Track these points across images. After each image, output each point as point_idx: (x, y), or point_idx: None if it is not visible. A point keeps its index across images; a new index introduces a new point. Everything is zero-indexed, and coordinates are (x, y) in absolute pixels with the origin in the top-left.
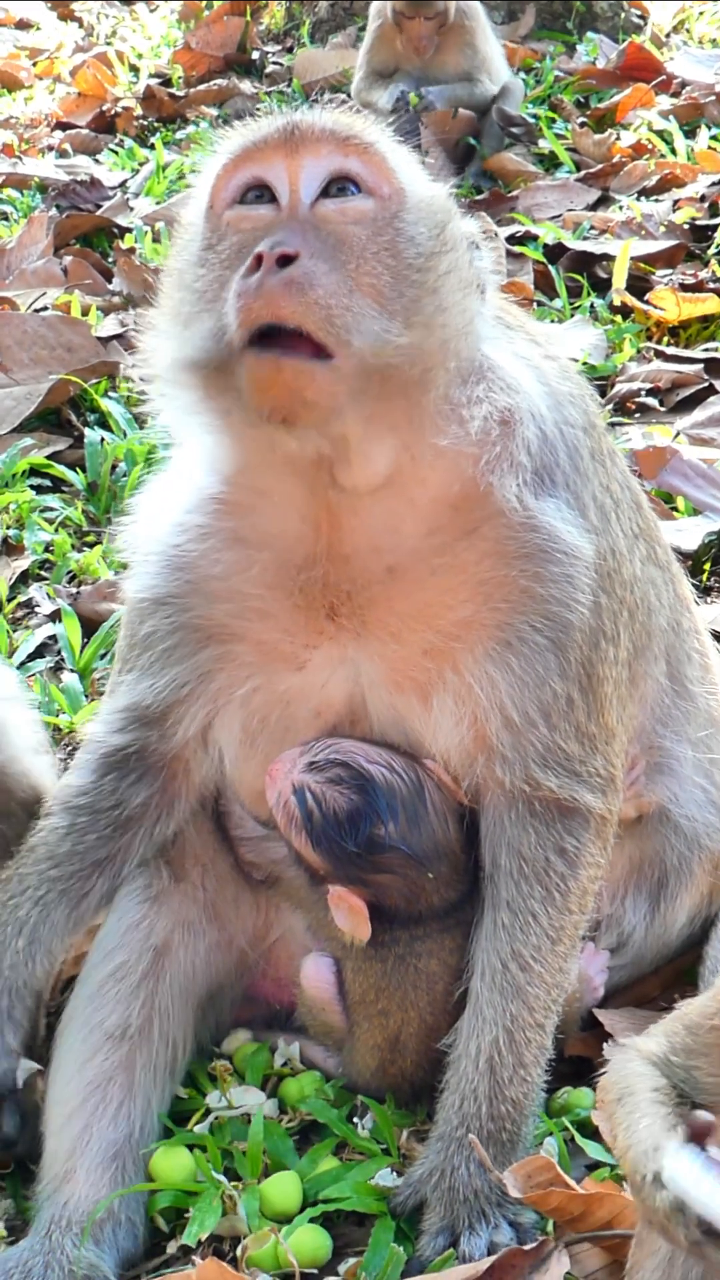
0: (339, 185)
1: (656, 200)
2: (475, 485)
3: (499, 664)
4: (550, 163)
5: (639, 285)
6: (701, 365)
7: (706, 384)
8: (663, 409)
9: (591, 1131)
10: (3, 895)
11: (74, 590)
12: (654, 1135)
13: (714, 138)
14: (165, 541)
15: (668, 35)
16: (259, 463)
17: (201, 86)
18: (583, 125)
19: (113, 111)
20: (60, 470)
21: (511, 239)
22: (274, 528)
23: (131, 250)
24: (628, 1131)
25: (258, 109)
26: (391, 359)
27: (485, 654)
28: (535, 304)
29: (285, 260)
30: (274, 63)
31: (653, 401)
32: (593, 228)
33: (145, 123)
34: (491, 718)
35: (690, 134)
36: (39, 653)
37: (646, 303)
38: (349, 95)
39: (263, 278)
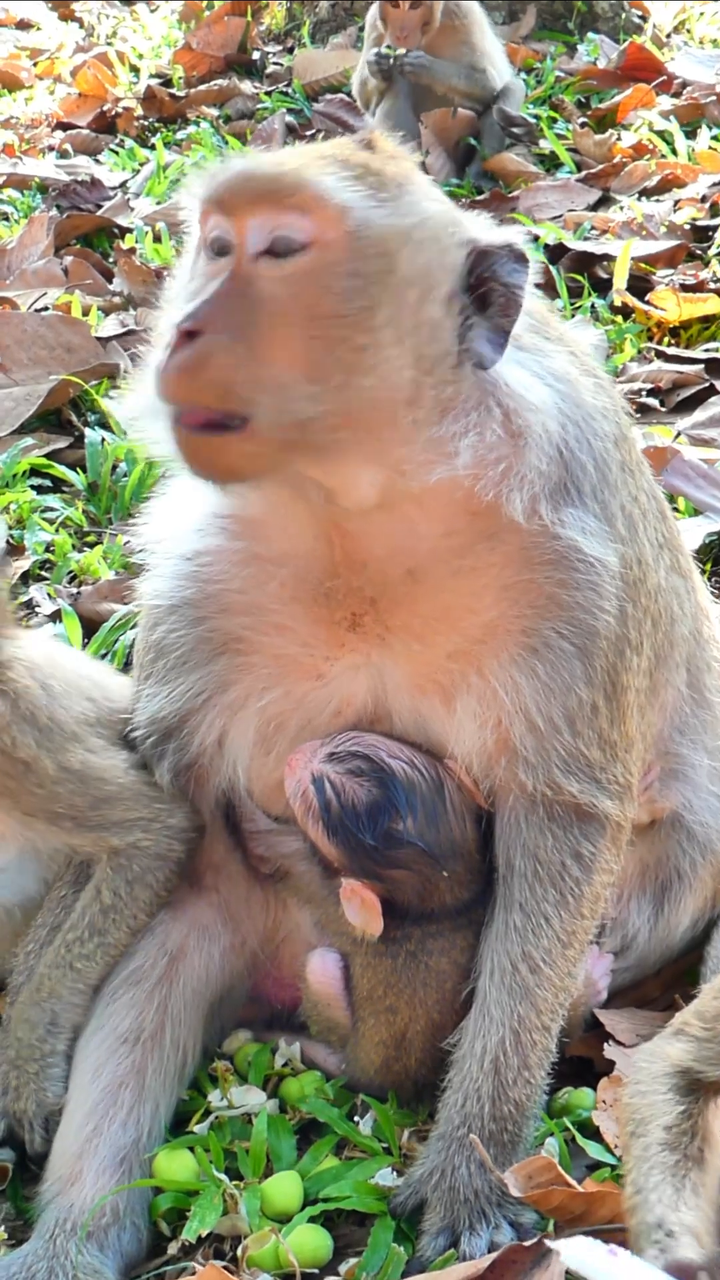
0: (281, 238)
1: (657, 200)
2: (482, 499)
3: (524, 669)
4: (551, 163)
5: (640, 285)
6: (702, 365)
7: (707, 384)
8: (663, 409)
9: (592, 1132)
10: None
11: (74, 590)
12: (660, 1203)
13: (715, 138)
14: (179, 554)
15: (669, 35)
16: (256, 490)
17: (202, 87)
18: (583, 125)
19: (113, 112)
20: (61, 470)
21: None
22: (288, 546)
23: (132, 250)
24: (634, 1180)
25: (258, 110)
26: (308, 425)
27: (511, 659)
28: None
29: (193, 334)
30: (274, 63)
31: (653, 402)
32: (593, 228)
33: (146, 123)
34: (516, 722)
35: (691, 134)
36: None
37: (647, 303)
38: (349, 95)
39: (167, 359)
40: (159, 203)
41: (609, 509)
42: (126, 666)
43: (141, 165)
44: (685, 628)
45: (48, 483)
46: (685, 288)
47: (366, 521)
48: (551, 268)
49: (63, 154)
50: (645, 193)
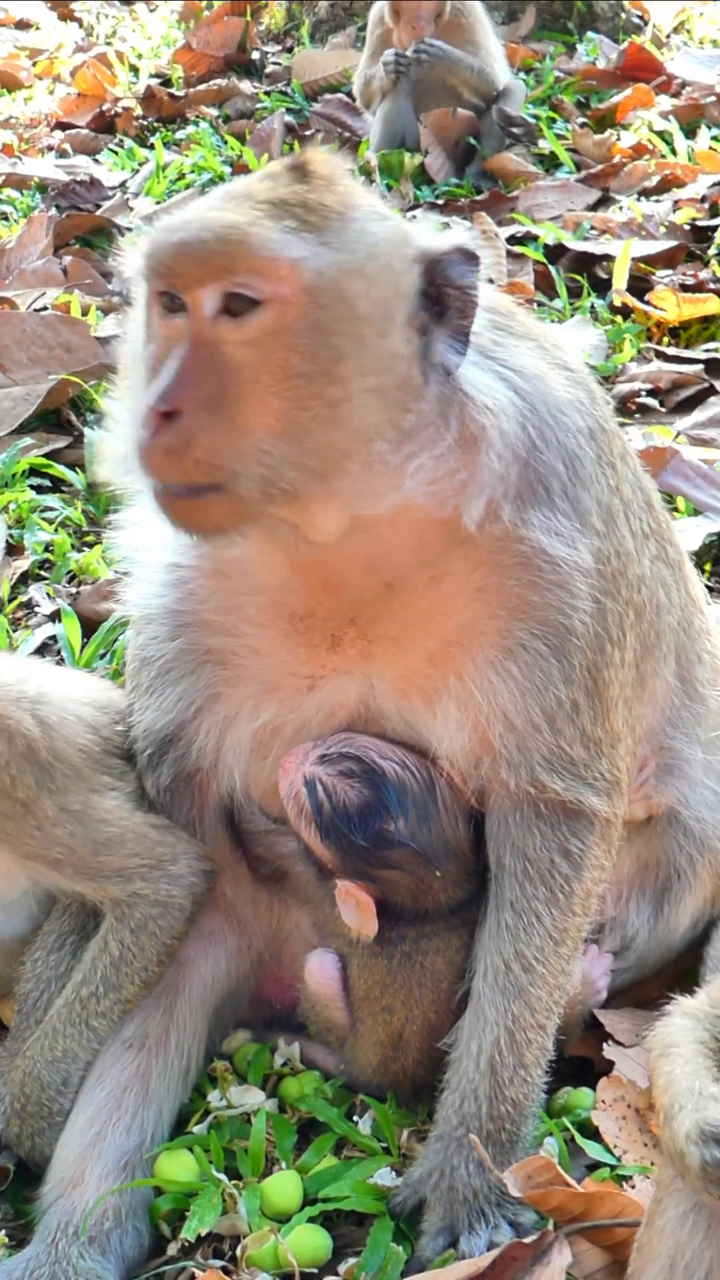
0: (235, 298)
1: (657, 201)
2: (447, 510)
3: (500, 671)
4: (550, 163)
5: (639, 286)
6: (702, 366)
7: (707, 384)
8: (663, 409)
9: (592, 1132)
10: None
11: (74, 590)
12: (696, 1079)
13: (714, 138)
14: (157, 564)
15: (668, 36)
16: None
17: (201, 86)
18: (583, 126)
19: (113, 111)
20: (60, 470)
21: (512, 239)
22: (261, 578)
23: None
24: (669, 1078)
25: (257, 109)
26: (287, 484)
27: (487, 661)
28: (536, 304)
29: (170, 414)
30: (274, 63)
31: (653, 402)
32: (593, 228)
33: (145, 123)
34: (494, 723)
35: (690, 134)
36: (39, 653)
37: (647, 303)
38: (349, 95)
39: (149, 440)
40: (158, 203)
41: (581, 505)
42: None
43: (141, 165)
44: (673, 618)
45: (47, 482)
46: (685, 288)
47: (340, 548)
48: (551, 268)
49: (62, 154)
50: (645, 193)
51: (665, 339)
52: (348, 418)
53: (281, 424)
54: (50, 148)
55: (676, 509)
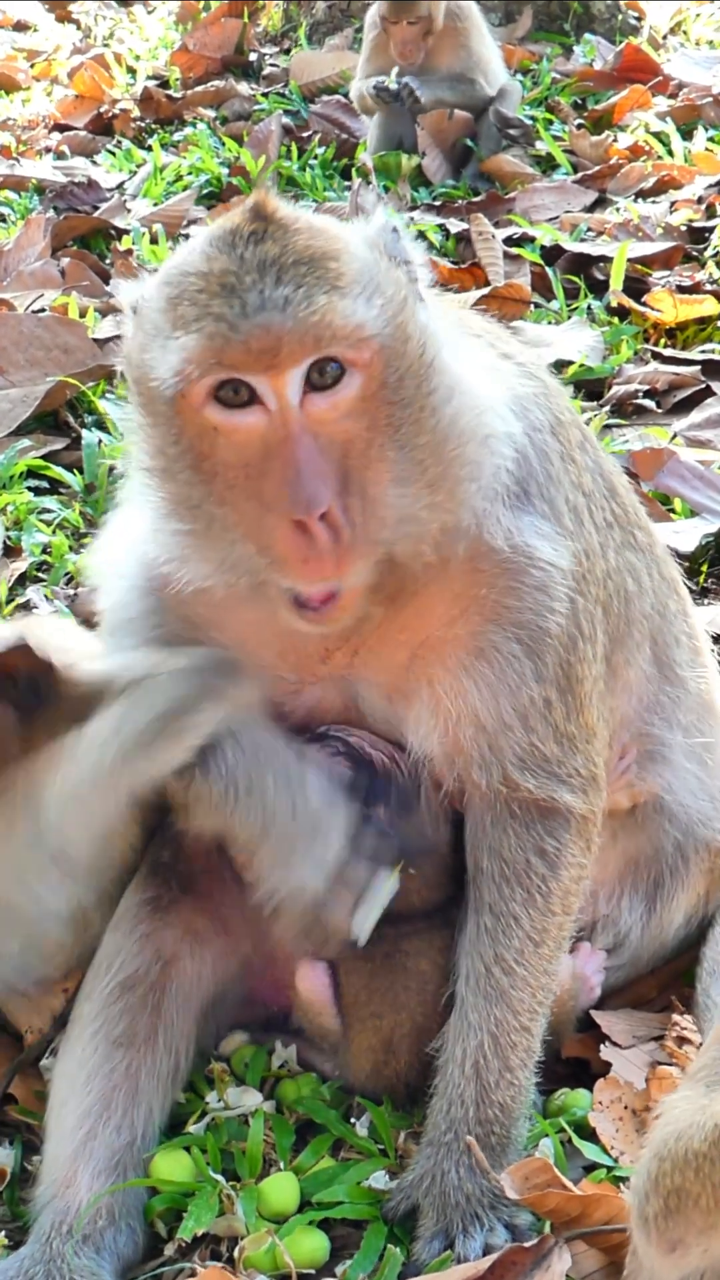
0: (320, 369)
1: (653, 202)
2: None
3: (471, 673)
4: (547, 164)
5: (636, 287)
6: (698, 367)
7: (703, 385)
8: (660, 411)
9: (589, 1133)
10: None
11: (71, 592)
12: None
13: (711, 139)
14: (138, 571)
15: (665, 37)
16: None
17: (199, 88)
18: (580, 127)
19: (110, 113)
20: (58, 472)
21: (509, 241)
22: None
23: (129, 252)
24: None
25: (254, 111)
26: (425, 522)
27: (459, 664)
28: (532, 305)
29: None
30: (271, 64)
31: (650, 403)
32: (590, 229)
33: (143, 124)
34: (464, 724)
35: (687, 136)
36: None
37: (644, 304)
38: (346, 97)
39: (314, 548)
40: (156, 204)
41: (555, 504)
42: None
43: (138, 167)
44: (646, 604)
45: (45, 484)
46: (681, 289)
47: None
48: (548, 269)
49: (60, 155)
50: (641, 194)
51: (662, 340)
52: (447, 429)
53: (411, 475)
54: (48, 149)
55: (674, 510)
